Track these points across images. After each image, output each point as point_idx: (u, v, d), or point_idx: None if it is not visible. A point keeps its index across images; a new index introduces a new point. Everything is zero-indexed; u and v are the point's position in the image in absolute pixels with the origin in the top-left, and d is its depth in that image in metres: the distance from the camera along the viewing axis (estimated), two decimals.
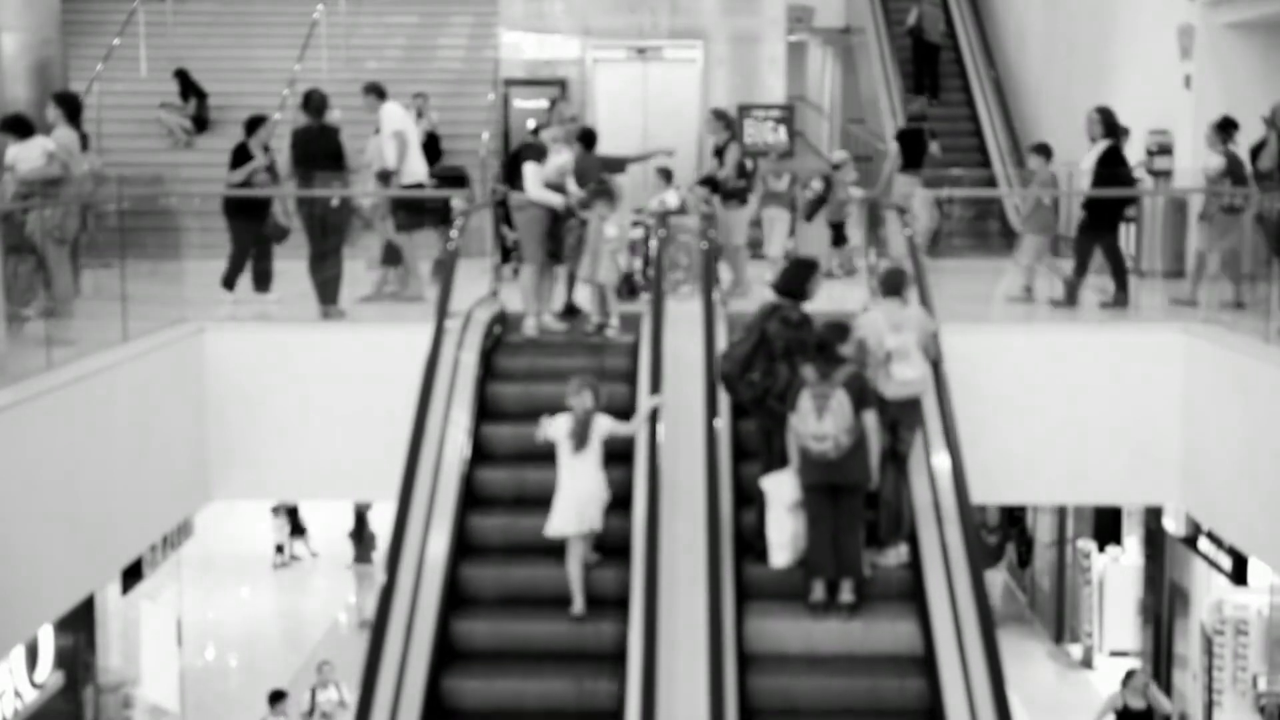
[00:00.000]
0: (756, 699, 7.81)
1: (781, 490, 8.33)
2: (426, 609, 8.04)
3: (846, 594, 8.17)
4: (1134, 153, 14.20)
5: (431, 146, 15.86)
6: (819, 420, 7.92)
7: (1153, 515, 14.38)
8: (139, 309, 10.00)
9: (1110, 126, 11.55)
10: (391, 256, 12.25)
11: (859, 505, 8.20)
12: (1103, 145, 11.51)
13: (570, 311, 11.17)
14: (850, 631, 8.14)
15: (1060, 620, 16.92)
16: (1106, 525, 16.16)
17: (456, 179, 13.28)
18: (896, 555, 8.52)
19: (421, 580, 8.09)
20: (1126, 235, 13.83)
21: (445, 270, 10.16)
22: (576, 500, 8.17)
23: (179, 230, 12.39)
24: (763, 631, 8.15)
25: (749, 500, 8.72)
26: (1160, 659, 14.42)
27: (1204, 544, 12.57)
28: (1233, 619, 13.05)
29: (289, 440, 10.40)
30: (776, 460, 8.50)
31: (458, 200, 12.09)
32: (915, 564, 8.43)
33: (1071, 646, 16.56)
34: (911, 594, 8.36)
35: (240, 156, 11.83)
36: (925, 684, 7.80)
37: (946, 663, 7.64)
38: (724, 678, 7.10)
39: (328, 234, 11.14)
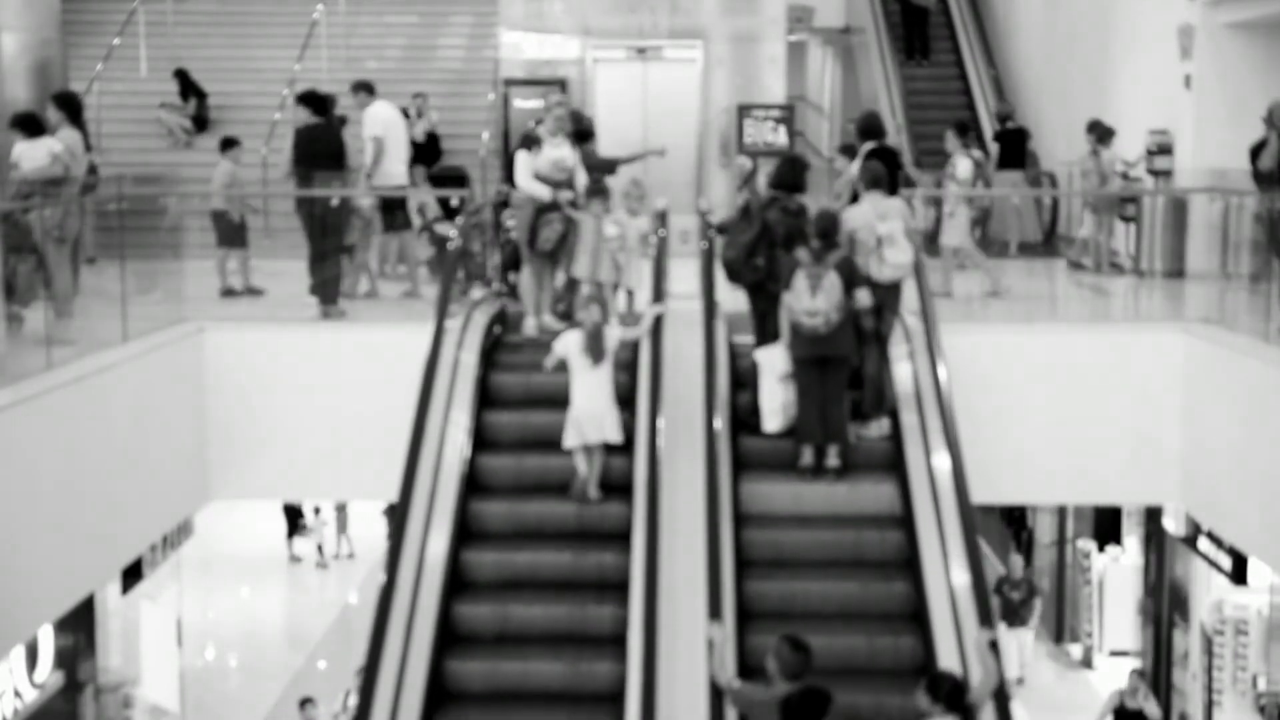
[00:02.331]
0: (751, 551, 8.60)
1: (773, 361, 9.21)
2: (427, 603, 8.06)
3: (833, 459, 9.00)
4: (1134, 153, 14.24)
5: (431, 146, 15.86)
6: (813, 298, 8.75)
7: (1153, 515, 14.38)
8: (139, 309, 10.00)
9: (871, 130, 11.58)
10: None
11: (844, 377, 9.08)
12: (868, 147, 11.57)
13: (570, 313, 11.15)
14: (836, 493, 8.96)
15: (1060, 620, 16.92)
16: (1106, 525, 16.16)
17: (457, 179, 13.27)
18: (879, 427, 9.36)
19: (422, 574, 8.10)
20: (1126, 235, 13.87)
21: (445, 270, 10.15)
22: (590, 415, 8.68)
23: (179, 230, 12.36)
24: (756, 494, 8.94)
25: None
26: (1160, 659, 14.42)
27: (1204, 544, 12.57)
28: (1233, 619, 13.05)
29: (289, 440, 10.40)
30: (769, 340, 9.38)
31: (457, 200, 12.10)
32: (896, 437, 9.22)
33: (1071, 646, 16.56)
34: (892, 464, 9.11)
35: None
36: (903, 537, 8.62)
37: (923, 520, 8.41)
38: (720, 532, 7.76)
39: (328, 234, 11.13)
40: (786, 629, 6.96)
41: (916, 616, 8.14)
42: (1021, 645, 15.28)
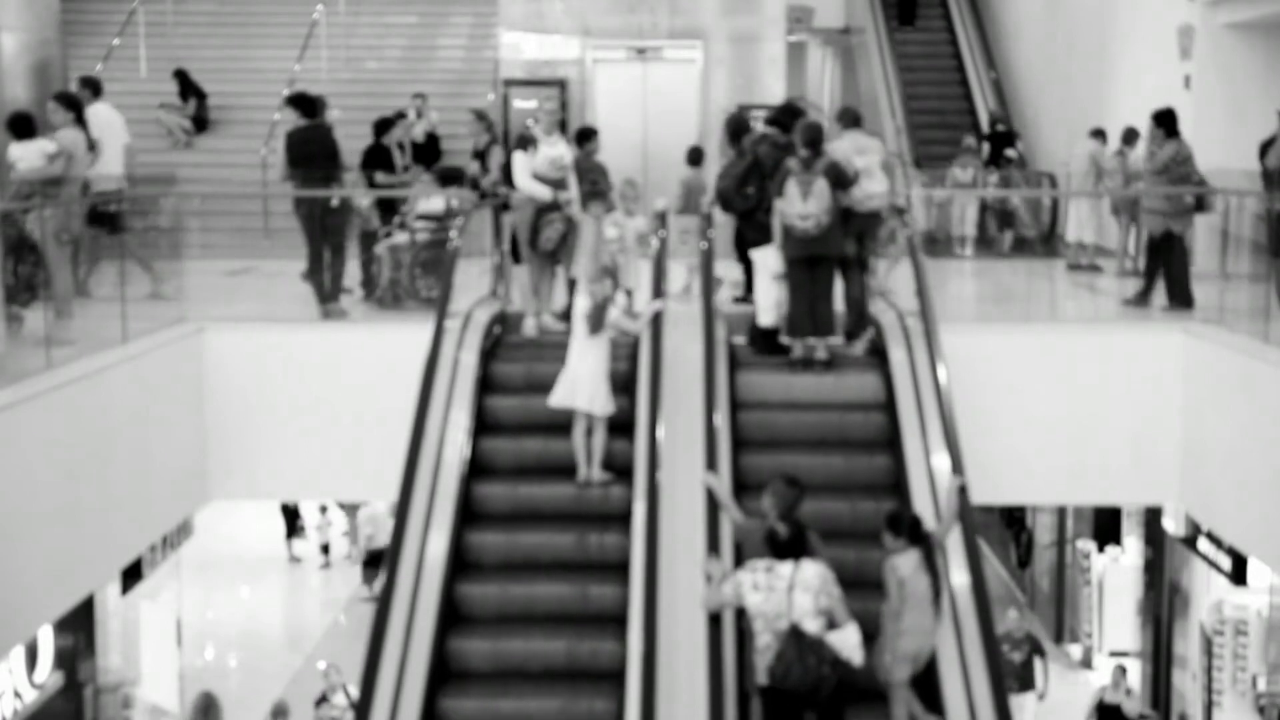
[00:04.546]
0: (745, 431, 9.36)
1: (768, 260, 9.91)
2: (427, 599, 8.06)
3: (821, 352, 9.78)
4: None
5: (431, 147, 15.87)
6: (804, 202, 9.43)
7: (1153, 515, 14.38)
8: (139, 309, 10.00)
9: (740, 132, 11.57)
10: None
11: (832, 275, 9.83)
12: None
13: (568, 314, 11.13)
14: (824, 384, 9.72)
15: (1060, 620, 16.91)
16: (1106, 525, 16.15)
17: (458, 179, 13.22)
18: (863, 345, 10.15)
19: (422, 573, 8.13)
20: (1121, 233, 13.86)
21: (445, 270, 10.13)
22: (579, 378, 8.85)
23: (179, 230, 12.36)
24: (750, 384, 9.72)
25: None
26: (1160, 659, 14.42)
27: (1204, 544, 12.56)
28: (1232, 619, 13.04)
29: (289, 440, 10.40)
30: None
31: (455, 200, 12.04)
32: (878, 338, 9.94)
33: (1071, 646, 16.55)
34: (877, 364, 9.88)
35: (375, 157, 12.23)
36: (885, 418, 9.41)
37: (904, 405, 9.20)
38: (715, 415, 8.49)
39: (326, 234, 11.11)
40: None
41: (896, 486, 8.90)
42: (1021, 712, 12.95)
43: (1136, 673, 14.61)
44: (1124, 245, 13.55)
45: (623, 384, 9.28)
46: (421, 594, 8.10)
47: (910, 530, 7.37)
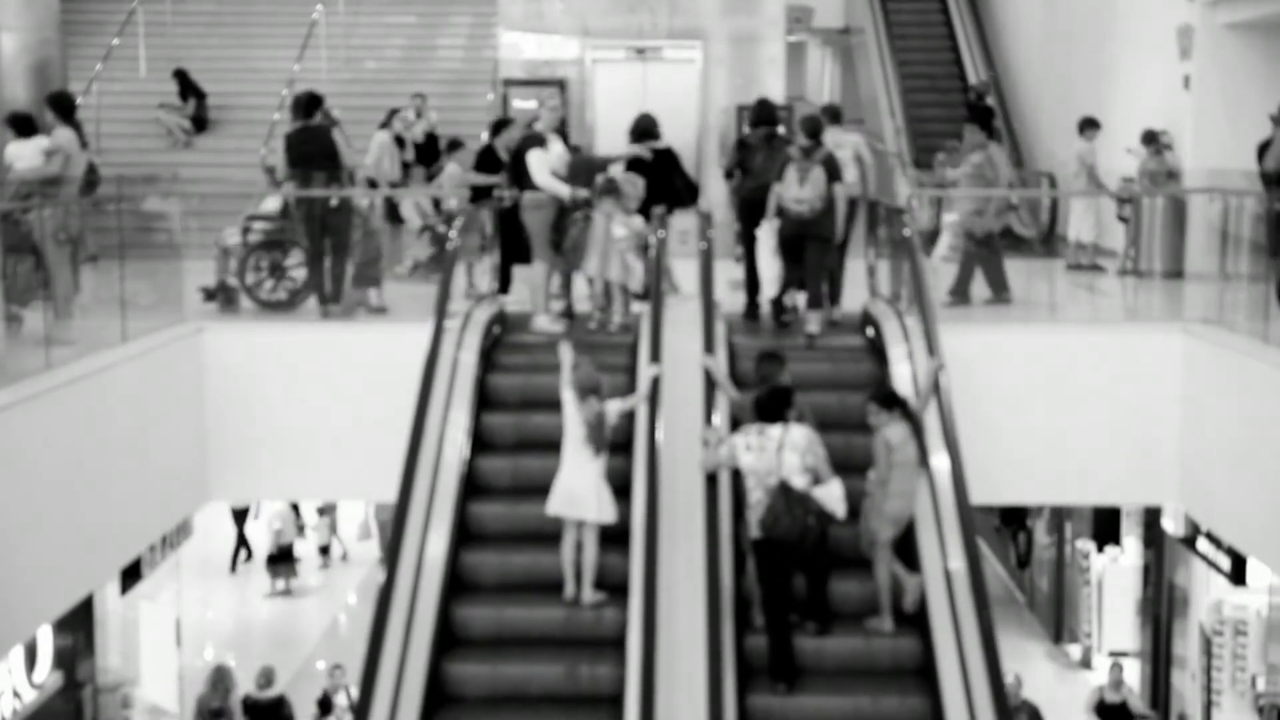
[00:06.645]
0: (738, 357, 9.78)
1: (767, 237, 10.70)
2: (427, 599, 8.08)
3: (812, 325, 10.34)
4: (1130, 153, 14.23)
5: (431, 147, 15.85)
6: (800, 188, 10.18)
7: (1152, 515, 14.38)
8: (138, 310, 10.00)
9: (644, 132, 11.55)
10: None
11: (821, 254, 10.49)
12: (647, 146, 11.59)
13: (569, 313, 11.14)
14: (815, 353, 10.24)
15: (1059, 620, 16.92)
16: (1105, 525, 16.15)
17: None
18: (837, 310, 11.07)
19: (421, 573, 8.12)
20: (1127, 234, 13.87)
21: (444, 270, 10.13)
22: (578, 491, 8.18)
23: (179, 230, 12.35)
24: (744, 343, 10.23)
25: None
26: (1159, 659, 14.43)
27: (1203, 544, 12.57)
28: (1232, 619, 13.05)
29: (288, 440, 10.40)
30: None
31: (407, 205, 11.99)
32: (877, 338, 10.29)
33: (1070, 647, 16.56)
34: (863, 326, 10.64)
35: (486, 159, 12.16)
36: (873, 366, 9.98)
37: (892, 340, 9.75)
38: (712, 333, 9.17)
39: (327, 234, 11.11)
40: None
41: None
42: None
43: (1136, 673, 14.62)
44: (1126, 246, 13.55)
45: (621, 485, 8.52)
46: (419, 602, 8.06)
47: (898, 403, 8.15)
